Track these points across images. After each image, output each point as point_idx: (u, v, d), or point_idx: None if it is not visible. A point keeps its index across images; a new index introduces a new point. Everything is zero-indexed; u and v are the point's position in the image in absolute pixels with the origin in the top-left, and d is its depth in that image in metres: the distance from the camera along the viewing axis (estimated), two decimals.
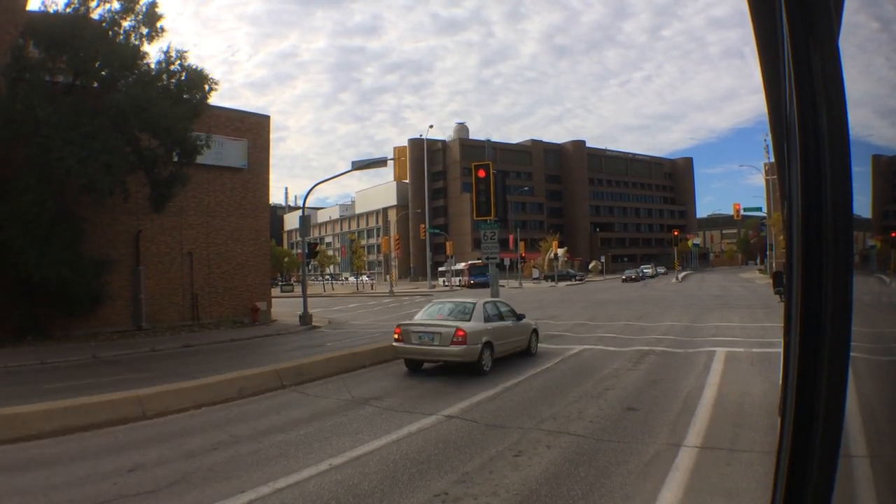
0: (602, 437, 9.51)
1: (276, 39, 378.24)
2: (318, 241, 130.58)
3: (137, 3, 27.31)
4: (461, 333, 15.25)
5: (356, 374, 16.29)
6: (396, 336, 16.38)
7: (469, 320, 16.07)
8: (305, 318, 33.42)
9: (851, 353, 1.52)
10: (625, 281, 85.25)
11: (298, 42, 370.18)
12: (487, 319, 16.58)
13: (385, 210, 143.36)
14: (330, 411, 12.13)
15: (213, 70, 27.35)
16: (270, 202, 44.93)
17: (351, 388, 14.24)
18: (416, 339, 15.91)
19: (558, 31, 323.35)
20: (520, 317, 18.20)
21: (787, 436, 1.60)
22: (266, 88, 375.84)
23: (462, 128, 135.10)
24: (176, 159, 28.25)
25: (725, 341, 20.16)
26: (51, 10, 25.80)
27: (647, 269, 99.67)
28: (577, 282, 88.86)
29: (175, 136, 26.59)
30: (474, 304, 17.01)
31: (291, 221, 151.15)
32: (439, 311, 17.25)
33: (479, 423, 10.64)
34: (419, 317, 17.16)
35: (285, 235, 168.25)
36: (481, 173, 24.11)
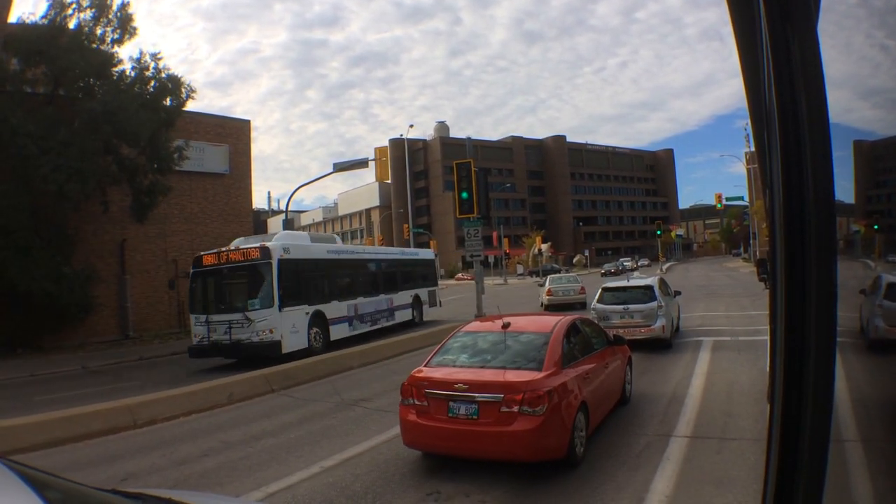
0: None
1: (235, 35, 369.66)
2: None
3: (110, 8, 27.10)
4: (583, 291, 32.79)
5: (344, 376, 16.24)
6: (548, 294, 33.09)
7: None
8: None
9: (839, 339, 1.52)
10: (604, 275, 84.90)
11: (258, 37, 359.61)
12: None
13: (368, 211, 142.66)
14: (319, 414, 12.11)
15: (173, 69, 26.84)
16: (253, 206, 44.73)
17: (340, 391, 14.19)
18: (561, 293, 32.67)
19: (528, 15, 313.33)
20: None
21: (777, 422, 1.60)
22: (229, 87, 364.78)
23: (442, 126, 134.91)
24: (154, 166, 28.07)
25: (712, 330, 20.24)
26: (28, 22, 25.68)
27: (627, 262, 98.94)
28: None
29: (146, 142, 26.47)
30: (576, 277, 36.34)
31: (275, 225, 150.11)
32: (565, 280, 35.06)
33: None
34: (553, 286, 33.66)
35: None
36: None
